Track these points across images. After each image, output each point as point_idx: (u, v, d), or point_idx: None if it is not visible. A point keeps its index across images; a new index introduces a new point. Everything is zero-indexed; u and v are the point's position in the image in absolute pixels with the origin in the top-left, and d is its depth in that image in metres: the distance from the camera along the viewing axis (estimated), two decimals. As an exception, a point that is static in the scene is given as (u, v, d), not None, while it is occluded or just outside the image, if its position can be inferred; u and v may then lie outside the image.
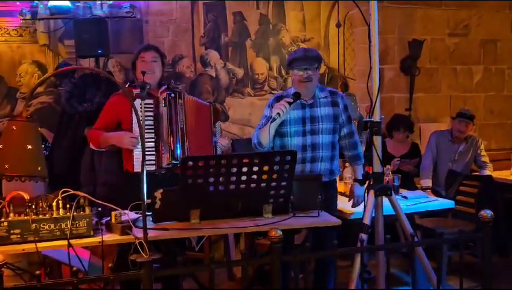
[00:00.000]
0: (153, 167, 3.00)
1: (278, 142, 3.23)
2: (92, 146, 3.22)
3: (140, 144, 2.96)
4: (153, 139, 3.03)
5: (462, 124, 4.79)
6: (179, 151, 3.01)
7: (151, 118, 3.04)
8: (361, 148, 3.42)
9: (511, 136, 6.11)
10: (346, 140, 3.32)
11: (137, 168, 2.98)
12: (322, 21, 6.01)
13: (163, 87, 3.25)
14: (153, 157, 3.02)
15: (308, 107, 3.19)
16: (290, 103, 2.99)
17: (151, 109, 3.05)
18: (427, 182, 4.74)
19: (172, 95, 3.08)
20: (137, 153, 3.01)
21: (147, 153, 2.96)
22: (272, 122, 3.00)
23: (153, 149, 3.03)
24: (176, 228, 2.50)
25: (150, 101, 3.05)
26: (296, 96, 3.06)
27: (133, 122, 3.03)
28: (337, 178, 3.98)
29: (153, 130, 3.04)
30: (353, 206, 3.35)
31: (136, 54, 3.21)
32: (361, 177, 3.33)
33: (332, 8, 5.99)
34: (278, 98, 3.19)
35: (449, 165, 4.81)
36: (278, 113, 2.96)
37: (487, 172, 4.78)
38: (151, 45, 3.33)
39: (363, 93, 5.53)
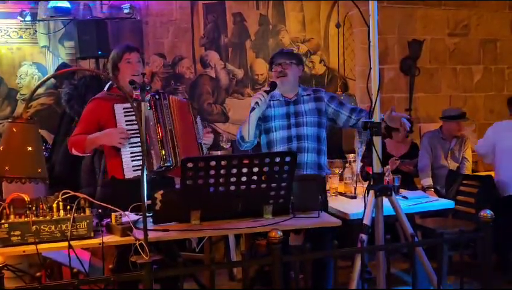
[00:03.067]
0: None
1: (264, 140, 3.31)
2: (75, 152, 3.03)
3: (130, 143, 2.90)
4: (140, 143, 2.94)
5: (459, 124, 4.87)
6: (169, 154, 2.91)
7: (135, 122, 2.91)
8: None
9: None
10: (353, 118, 3.23)
11: (128, 174, 2.89)
12: (321, 21, 6.02)
13: (139, 90, 3.13)
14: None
15: (292, 104, 3.28)
16: (267, 92, 3.10)
17: (133, 113, 2.91)
18: (428, 181, 4.75)
19: (157, 96, 2.96)
20: (126, 159, 2.90)
21: (135, 158, 2.91)
22: (251, 111, 3.09)
23: (141, 154, 2.93)
24: (177, 229, 2.50)
25: (129, 104, 2.88)
26: (273, 86, 3.16)
27: (118, 126, 2.93)
28: (337, 178, 4.00)
29: (139, 134, 2.90)
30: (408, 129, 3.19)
31: (120, 56, 3.04)
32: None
33: (332, 8, 5.99)
34: None
35: (444, 161, 4.85)
36: (257, 102, 3.06)
37: (465, 169, 4.82)
38: (132, 45, 3.15)
39: (363, 94, 5.55)
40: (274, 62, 3.29)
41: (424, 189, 4.63)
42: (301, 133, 3.22)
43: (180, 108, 3.08)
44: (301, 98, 3.29)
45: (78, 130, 3.04)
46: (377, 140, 2.80)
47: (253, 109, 3.08)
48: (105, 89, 3.09)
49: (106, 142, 2.97)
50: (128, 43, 3.27)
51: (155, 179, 2.93)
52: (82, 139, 2.97)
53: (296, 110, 3.26)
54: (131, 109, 2.92)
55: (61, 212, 2.30)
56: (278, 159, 2.52)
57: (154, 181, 2.88)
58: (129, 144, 2.93)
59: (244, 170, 2.48)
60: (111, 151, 3.01)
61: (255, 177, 2.51)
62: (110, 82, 3.12)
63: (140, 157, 2.90)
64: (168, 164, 2.90)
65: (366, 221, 2.77)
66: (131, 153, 2.94)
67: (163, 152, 2.90)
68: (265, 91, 3.10)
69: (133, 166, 2.92)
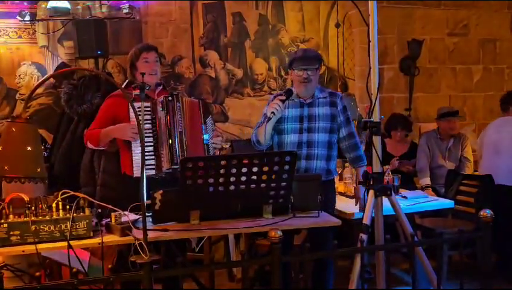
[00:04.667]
0: (153, 171, 2.94)
1: (276, 140, 3.29)
2: (90, 145, 3.13)
3: (140, 143, 2.96)
4: (152, 143, 2.97)
5: (451, 122, 4.87)
6: (178, 156, 2.94)
7: (149, 122, 2.98)
8: (363, 149, 3.41)
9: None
10: (346, 142, 3.32)
11: (136, 173, 2.93)
12: (321, 21, 6.01)
13: (159, 88, 3.21)
14: (153, 162, 2.95)
15: (307, 106, 3.24)
16: (283, 101, 3.07)
17: (149, 112, 2.98)
18: (427, 181, 4.75)
19: (170, 98, 3.01)
20: (136, 158, 2.95)
21: (146, 157, 2.93)
22: (267, 121, 3.08)
23: (152, 153, 2.96)
24: (176, 229, 2.50)
25: (148, 104, 2.98)
26: (288, 93, 3.14)
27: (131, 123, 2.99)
28: (337, 178, 4.01)
29: (151, 134, 2.98)
30: (361, 210, 3.28)
31: (137, 55, 3.12)
32: None
33: (331, 8, 5.98)
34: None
35: (441, 161, 4.85)
36: (273, 112, 3.04)
37: (466, 169, 4.82)
38: (150, 45, 3.25)
39: (362, 94, 5.55)
40: (297, 66, 3.19)
41: (423, 188, 4.63)
42: (312, 139, 3.21)
43: (191, 109, 3.11)
44: (316, 101, 3.25)
45: (94, 125, 3.13)
46: (377, 140, 2.80)
47: (269, 118, 3.07)
48: (123, 86, 3.13)
49: (118, 136, 3.03)
50: (148, 43, 3.45)
51: (165, 178, 2.97)
52: (96, 132, 3.06)
53: (310, 114, 3.23)
54: (145, 108, 2.97)
55: (61, 212, 2.30)
56: (277, 159, 2.52)
57: (164, 180, 2.93)
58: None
59: (244, 170, 2.48)
60: (124, 148, 3.08)
61: (254, 177, 2.51)
62: (128, 80, 3.20)
63: (150, 157, 2.96)
64: (177, 166, 2.92)
65: (366, 221, 2.77)
66: (141, 151, 2.96)
67: (173, 154, 2.94)
68: (281, 100, 3.07)
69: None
